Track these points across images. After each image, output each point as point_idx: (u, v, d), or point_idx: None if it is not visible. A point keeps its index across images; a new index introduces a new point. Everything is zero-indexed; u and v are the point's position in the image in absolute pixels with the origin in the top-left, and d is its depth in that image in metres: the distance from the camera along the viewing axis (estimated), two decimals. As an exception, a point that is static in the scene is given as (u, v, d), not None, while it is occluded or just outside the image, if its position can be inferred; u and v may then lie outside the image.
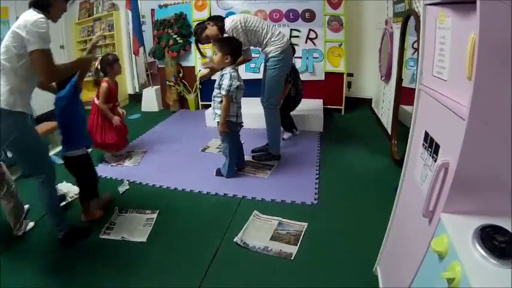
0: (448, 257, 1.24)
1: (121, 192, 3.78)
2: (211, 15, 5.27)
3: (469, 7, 1.22)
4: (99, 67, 4.00)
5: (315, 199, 3.49)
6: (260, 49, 4.10)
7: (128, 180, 4.00)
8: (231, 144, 3.83)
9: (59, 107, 2.95)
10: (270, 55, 3.92)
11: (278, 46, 3.87)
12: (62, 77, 2.70)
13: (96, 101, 4.19)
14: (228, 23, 3.77)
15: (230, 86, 3.46)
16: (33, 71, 2.47)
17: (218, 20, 3.87)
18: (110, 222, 3.28)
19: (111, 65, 4.11)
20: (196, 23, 4.17)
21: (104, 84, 4.12)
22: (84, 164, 3.23)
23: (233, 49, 3.56)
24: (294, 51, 4.62)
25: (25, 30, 2.33)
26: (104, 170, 4.31)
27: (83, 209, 3.31)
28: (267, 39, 3.89)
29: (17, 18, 2.50)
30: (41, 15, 2.39)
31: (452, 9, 1.41)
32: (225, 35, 3.80)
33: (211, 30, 3.84)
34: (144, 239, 2.99)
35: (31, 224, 3.19)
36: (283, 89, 4.54)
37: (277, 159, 4.38)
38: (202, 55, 4.53)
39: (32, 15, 2.37)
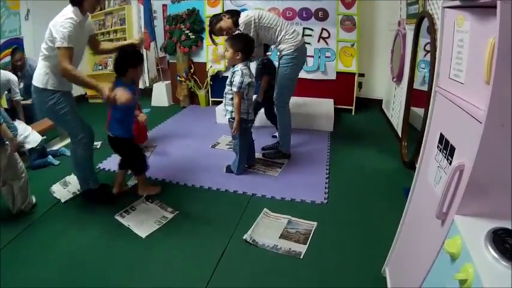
0: (461, 259, 1.25)
1: (130, 186, 3.80)
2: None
3: (488, 11, 1.23)
4: None
5: (325, 198, 3.49)
6: (274, 46, 4.11)
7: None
8: (241, 141, 3.84)
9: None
10: (283, 53, 3.93)
11: (291, 44, 3.87)
12: (71, 81, 3.09)
13: None
14: (243, 17, 3.80)
15: (241, 83, 3.48)
16: None
17: (234, 14, 3.93)
18: (131, 206, 3.40)
19: None
20: (209, 18, 4.20)
21: None
22: (124, 146, 3.50)
23: (244, 46, 3.58)
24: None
25: (55, 29, 2.84)
26: (112, 164, 4.34)
27: (138, 184, 3.70)
28: (280, 37, 3.89)
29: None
30: (69, 17, 2.85)
31: (471, 13, 1.41)
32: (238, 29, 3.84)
33: (226, 22, 3.91)
34: (143, 236, 3.00)
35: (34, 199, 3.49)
36: (263, 83, 4.55)
37: (287, 158, 4.39)
38: (216, 44, 4.55)
39: (62, 15, 2.88)
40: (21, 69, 5.59)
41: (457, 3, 1.50)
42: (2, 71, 4.86)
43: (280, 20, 3.95)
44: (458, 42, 1.52)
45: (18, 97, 4.94)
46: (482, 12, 1.31)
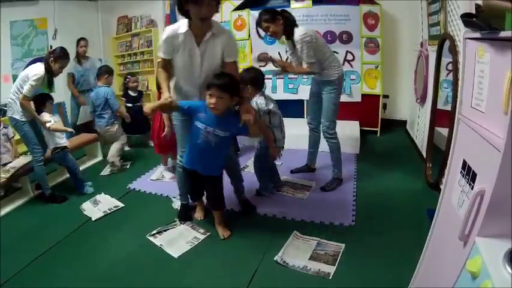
0: (481, 277, 1.32)
1: (175, 208, 3.89)
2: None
3: (507, 45, 1.30)
4: None
5: (352, 221, 3.53)
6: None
7: (171, 196, 4.12)
8: (260, 163, 3.97)
9: None
10: (329, 78, 3.93)
11: (336, 72, 3.91)
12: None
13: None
14: (300, 32, 3.71)
15: (267, 105, 3.55)
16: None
17: (289, 22, 3.81)
18: (163, 227, 3.50)
19: None
20: (262, 11, 3.93)
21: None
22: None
23: (254, 76, 3.60)
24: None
25: None
26: (143, 185, 4.53)
27: None
28: (328, 61, 3.90)
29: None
30: (167, 32, 3.01)
31: (491, 45, 1.47)
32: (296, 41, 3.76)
33: (276, 26, 3.75)
34: (175, 255, 3.10)
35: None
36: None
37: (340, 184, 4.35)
38: (260, 36, 4.56)
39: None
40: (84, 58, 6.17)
41: (478, 35, 1.57)
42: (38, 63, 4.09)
43: (329, 47, 4.01)
44: (479, 73, 1.58)
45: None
46: (501, 45, 1.38)
